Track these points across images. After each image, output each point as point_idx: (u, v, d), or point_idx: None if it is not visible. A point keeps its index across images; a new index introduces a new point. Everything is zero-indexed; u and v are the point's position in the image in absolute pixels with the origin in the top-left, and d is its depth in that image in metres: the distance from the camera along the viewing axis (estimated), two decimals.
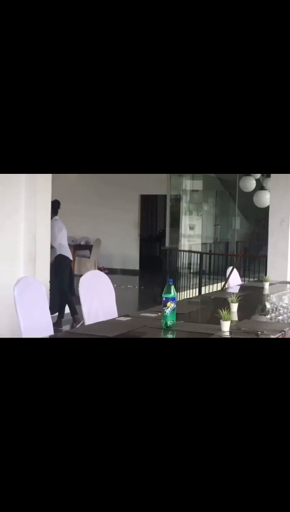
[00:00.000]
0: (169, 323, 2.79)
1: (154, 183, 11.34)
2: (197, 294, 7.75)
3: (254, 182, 8.38)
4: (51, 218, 5.54)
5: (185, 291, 8.50)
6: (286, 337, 2.84)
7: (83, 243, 12.06)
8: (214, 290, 4.87)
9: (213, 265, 9.29)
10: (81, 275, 3.81)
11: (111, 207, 12.30)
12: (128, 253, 12.57)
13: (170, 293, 2.79)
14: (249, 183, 8.39)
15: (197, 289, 8.30)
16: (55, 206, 6.25)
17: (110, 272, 10.17)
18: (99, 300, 3.66)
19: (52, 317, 3.29)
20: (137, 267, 12.60)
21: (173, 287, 2.81)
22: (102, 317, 3.20)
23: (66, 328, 6.02)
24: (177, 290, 8.71)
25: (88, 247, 11.81)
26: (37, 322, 3.00)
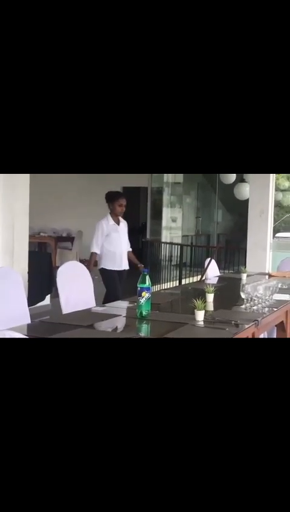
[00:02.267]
0: (144, 312, 2.81)
1: (136, 176, 11.34)
2: (177, 285, 7.79)
3: (234, 174, 8.42)
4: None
5: (166, 283, 8.54)
6: (259, 326, 2.88)
7: (64, 234, 12.01)
8: (194, 281, 4.90)
9: (194, 258, 9.34)
10: None
11: (93, 199, 12.24)
12: None
13: (144, 283, 2.81)
14: (230, 175, 8.43)
15: (178, 281, 8.34)
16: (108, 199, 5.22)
17: None
18: (77, 291, 3.67)
19: (31, 309, 3.29)
20: None
21: (147, 277, 2.83)
22: (79, 307, 3.21)
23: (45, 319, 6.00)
24: (158, 281, 8.74)
25: (70, 239, 11.77)
26: (14, 312, 3.00)
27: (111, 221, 5.12)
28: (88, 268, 4.73)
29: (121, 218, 5.17)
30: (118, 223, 5.15)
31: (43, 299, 6.52)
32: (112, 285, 5.04)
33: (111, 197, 5.13)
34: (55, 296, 5.87)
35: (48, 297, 6.69)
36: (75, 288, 3.66)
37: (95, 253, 5.11)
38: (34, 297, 5.99)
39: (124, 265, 5.18)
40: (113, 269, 5.09)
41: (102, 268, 5.12)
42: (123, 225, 5.20)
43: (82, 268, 3.92)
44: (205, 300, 3.07)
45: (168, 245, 9.55)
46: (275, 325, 3.62)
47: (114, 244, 5.09)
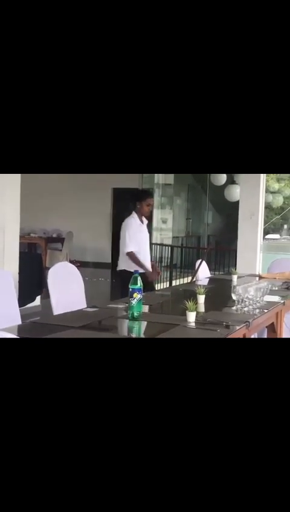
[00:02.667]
0: (135, 313, 2.81)
1: (127, 177, 11.36)
2: (167, 287, 7.80)
3: (225, 176, 8.45)
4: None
5: (156, 284, 8.53)
6: (250, 327, 2.89)
7: (54, 235, 12.00)
8: (185, 283, 4.90)
9: (184, 259, 9.35)
10: None
11: (83, 200, 12.27)
12: (101, 246, 12.55)
13: (136, 284, 2.81)
14: (220, 177, 8.46)
15: (168, 282, 8.36)
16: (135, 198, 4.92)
17: (82, 264, 10.15)
18: (68, 292, 3.66)
19: (21, 309, 3.29)
20: (109, 260, 12.59)
21: (139, 278, 2.83)
22: (70, 308, 3.20)
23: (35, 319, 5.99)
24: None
25: (60, 239, 11.75)
26: (5, 313, 2.99)
27: (138, 221, 4.80)
28: (144, 268, 4.54)
29: (144, 219, 4.89)
30: (142, 223, 4.88)
31: (33, 300, 6.51)
32: None
33: (140, 196, 4.86)
34: (46, 296, 5.87)
35: (38, 298, 6.68)
36: (66, 289, 3.66)
37: (132, 251, 4.69)
38: (24, 298, 5.97)
39: (148, 267, 4.81)
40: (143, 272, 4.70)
41: (123, 270, 4.70)
42: (145, 225, 4.96)
43: (73, 269, 3.92)
44: (196, 302, 3.08)
45: (158, 246, 9.56)
46: (266, 327, 3.63)
47: (139, 245, 4.76)
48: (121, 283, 4.64)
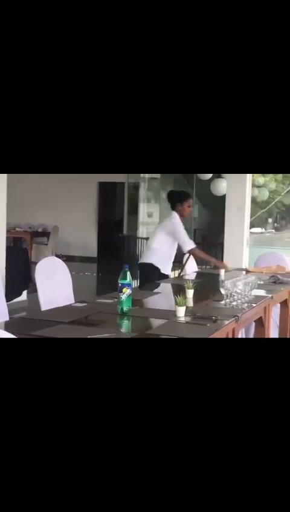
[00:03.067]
0: (125, 308, 2.80)
1: None
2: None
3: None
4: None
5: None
6: (239, 322, 2.90)
7: (40, 229, 11.94)
8: (172, 276, 4.90)
9: None
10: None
11: (69, 194, 12.21)
12: (87, 241, 12.51)
13: (125, 278, 2.81)
14: None
15: None
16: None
17: (68, 259, 10.10)
18: (55, 287, 3.64)
19: (8, 304, 3.26)
20: (95, 255, 12.56)
21: (128, 273, 2.82)
22: (59, 304, 3.19)
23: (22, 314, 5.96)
24: (136, 277, 8.73)
25: (46, 234, 11.70)
26: None
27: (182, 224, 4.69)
28: (211, 261, 4.73)
29: (181, 218, 4.74)
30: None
31: (19, 294, 6.47)
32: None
33: (181, 198, 4.72)
34: (32, 291, 5.84)
35: (24, 292, 6.65)
36: (53, 284, 3.64)
37: (195, 247, 4.71)
38: (10, 293, 5.94)
39: (212, 259, 5.01)
40: (164, 273, 4.65)
41: (157, 268, 4.60)
42: None
43: (60, 264, 3.89)
44: (185, 296, 3.08)
45: (145, 240, 9.54)
46: (254, 321, 3.65)
47: (174, 247, 4.70)
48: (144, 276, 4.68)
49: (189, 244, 4.63)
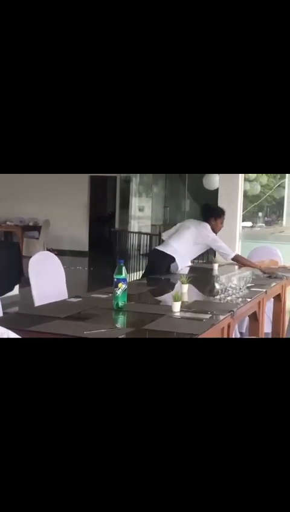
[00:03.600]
0: (120, 304, 2.79)
1: None
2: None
3: None
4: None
5: (135, 273, 8.53)
6: (235, 316, 2.90)
7: (31, 223, 11.89)
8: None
9: None
10: (30, 257, 3.76)
11: (60, 188, 12.15)
12: (78, 235, 12.48)
13: (121, 273, 2.79)
14: None
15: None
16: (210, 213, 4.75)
17: (59, 253, 10.01)
18: (49, 282, 3.63)
19: (1, 299, 3.25)
20: (86, 249, 12.53)
21: (124, 268, 2.81)
22: (52, 298, 3.17)
23: (15, 309, 5.94)
24: (127, 271, 8.70)
25: (37, 228, 11.66)
26: None
27: None
28: (253, 266, 4.46)
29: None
30: None
31: (11, 289, 6.45)
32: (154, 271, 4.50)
33: (218, 214, 4.74)
34: (24, 285, 5.81)
35: (16, 287, 6.62)
36: (47, 279, 3.62)
37: (237, 254, 4.90)
38: (2, 287, 5.91)
39: (254, 264, 4.74)
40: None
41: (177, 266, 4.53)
42: None
43: (54, 259, 3.88)
44: (180, 292, 3.08)
45: (136, 234, 9.53)
46: (248, 316, 3.65)
47: (195, 253, 4.81)
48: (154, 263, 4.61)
49: (231, 253, 4.68)
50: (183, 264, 4.60)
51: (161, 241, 5.29)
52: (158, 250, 4.67)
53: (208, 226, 4.61)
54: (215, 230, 4.69)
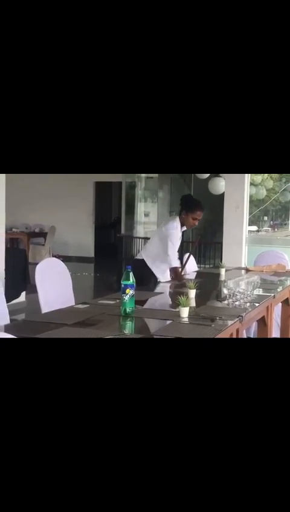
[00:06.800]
0: (128, 310, 2.77)
1: None
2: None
3: None
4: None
5: None
6: (243, 321, 2.87)
7: (37, 230, 11.91)
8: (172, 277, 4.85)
9: None
10: (36, 263, 3.75)
11: (65, 194, 12.17)
12: (83, 241, 12.48)
13: (128, 279, 2.77)
14: None
15: None
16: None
17: (65, 259, 10.02)
18: (56, 288, 3.61)
19: (7, 306, 3.23)
20: (92, 255, 12.53)
21: (131, 274, 2.79)
22: (59, 305, 3.15)
23: (21, 316, 5.93)
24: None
25: (42, 234, 11.67)
26: None
27: (179, 228, 4.25)
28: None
29: (184, 227, 4.36)
30: (181, 229, 4.32)
31: (18, 296, 6.44)
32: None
33: (189, 207, 4.28)
34: (31, 292, 5.80)
35: (23, 294, 6.61)
36: (54, 286, 3.60)
37: (177, 267, 4.26)
38: (9, 294, 5.90)
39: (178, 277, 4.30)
40: (160, 281, 4.28)
41: (142, 260, 4.28)
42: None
43: (61, 265, 3.86)
44: (187, 297, 3.06)
45: (142, 240, 9.52)
46: (256, 320, 3.62)
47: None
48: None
49: (175, 262, 4.22)
50: (158, 266, 4.28)
51: None
52: (134, 260, 4.40)
53: (177, 219, 4.25)
54: (186, 224, 4.31)
